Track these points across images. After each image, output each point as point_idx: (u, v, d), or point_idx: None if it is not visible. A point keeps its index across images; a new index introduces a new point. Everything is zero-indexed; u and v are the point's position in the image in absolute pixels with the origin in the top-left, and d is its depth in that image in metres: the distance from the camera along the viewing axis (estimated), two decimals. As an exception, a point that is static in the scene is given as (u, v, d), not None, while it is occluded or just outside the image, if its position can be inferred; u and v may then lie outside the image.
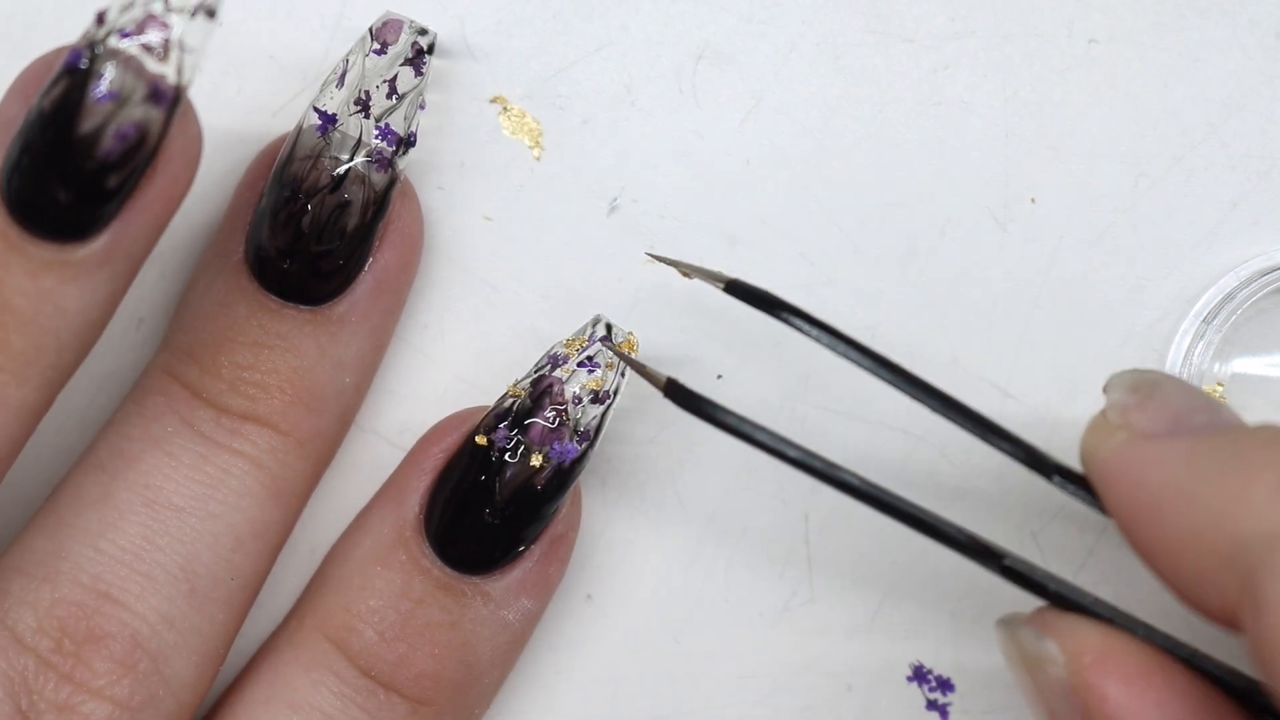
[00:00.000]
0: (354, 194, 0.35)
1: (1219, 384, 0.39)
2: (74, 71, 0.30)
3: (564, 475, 0.36)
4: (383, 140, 0.36)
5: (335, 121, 0.36)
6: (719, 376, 0.39)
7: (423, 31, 0.36)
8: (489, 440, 0.36)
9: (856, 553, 0.40)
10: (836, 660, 0.40)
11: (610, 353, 0.36)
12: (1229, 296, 0.39)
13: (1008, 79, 0.39)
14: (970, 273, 0.39)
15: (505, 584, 0.36)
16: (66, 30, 0.38)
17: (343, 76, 0.36)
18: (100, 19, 0.30)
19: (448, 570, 0.36)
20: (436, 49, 0.37)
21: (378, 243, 0.36)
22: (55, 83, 0.30)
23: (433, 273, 0.39)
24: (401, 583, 0.36)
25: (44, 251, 0.31)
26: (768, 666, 0.40)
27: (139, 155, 0.30)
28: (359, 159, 0.35)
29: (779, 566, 0.40)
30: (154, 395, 0.36)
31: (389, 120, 0.36)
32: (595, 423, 0.36)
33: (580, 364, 0.36)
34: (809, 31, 0.39)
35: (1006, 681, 0.40)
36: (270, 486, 0.35)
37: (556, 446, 0.36)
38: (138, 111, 0.30)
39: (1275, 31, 0.39)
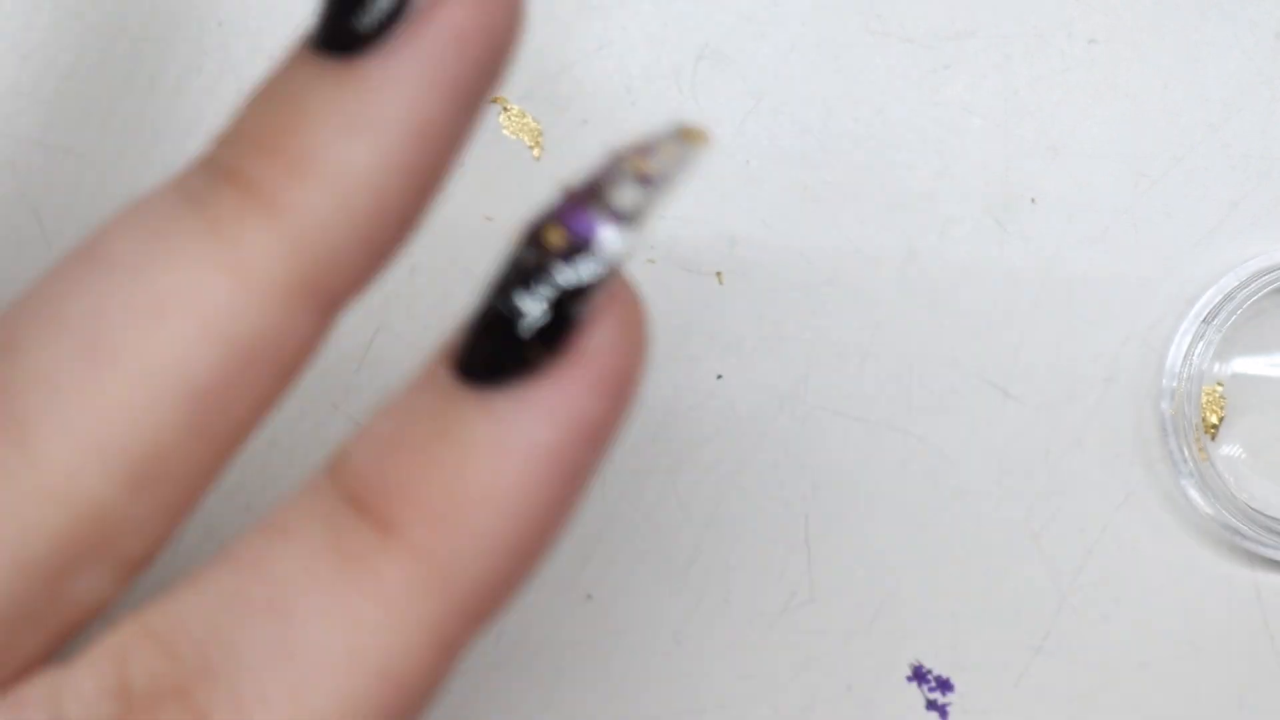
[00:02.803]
0: None
1: (1219, 384, 0.39)
2: None
3: (584, 260, 0.29)
4: None
5: None
6: (719, 376, 0.39)
7: None
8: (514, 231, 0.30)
9: (856, 553, 0.40)
10: (836, 660, 0.40)
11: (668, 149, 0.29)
12: (1229, 296, 0.39)
13: (1008, 79, 0.39)
14: (970, 273, 0.39)
15: (512, 399, 0.29)
16: (66, 29, 0.38)
17: None
18: None
19: (453, 380, 0.29)
20: None
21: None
22: None
23: (433, 272, 0.39)
24: (408, 400, 0.30)
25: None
26: (768, 666, 0.40)
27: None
28: None
29: (779, 566, 0.40)
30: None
31: None
32: (636, 206, 0.29)
33: (636, 152, 0.29)
34: (809, 31, 0.39)
35: (1006, 681, 0.40)
36: (223, 257, 0.29)
37: (580, 221, 0.29)
38: None
39: (1275, 32, 0.39)
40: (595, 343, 0.29)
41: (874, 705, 0.40)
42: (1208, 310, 0.39)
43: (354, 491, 0.29)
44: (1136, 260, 0.39)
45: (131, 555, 0.28)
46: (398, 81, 0.29)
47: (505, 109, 0.39)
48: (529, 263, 0.29)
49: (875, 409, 0.39)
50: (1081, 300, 0.39)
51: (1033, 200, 0.39)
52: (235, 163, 0.29)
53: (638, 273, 0.39)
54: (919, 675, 0.40)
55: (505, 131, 0.39)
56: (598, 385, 0.29)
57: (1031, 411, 0.39)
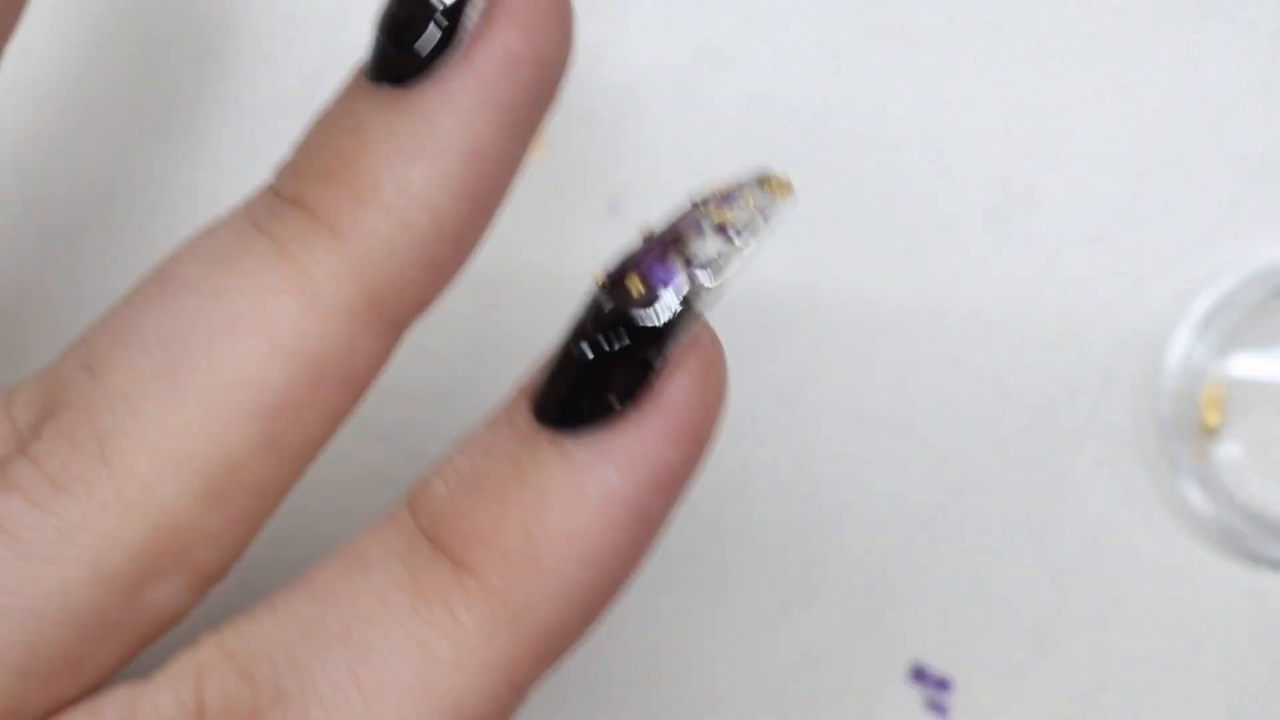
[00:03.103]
0: None
1: (1219, 384, 0.39)
2: None
3: (664, 309, 0.29)
4: None
5: None
6: (719, 376, 0.39)
7: None
8: (595, 277, 0.30)
9: (856, 553, 0.40)
10: (836, 660, 0.40)
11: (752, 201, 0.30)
12: (1229, 296, 0.39)
13: (1008, 79, 0.39)
14: (970, 273, 0.39)
15: (589, 445, 0.30)
16: (66, 29, 0.38)
17: None
18: None
19: (532, 422, 0.30)
20: None
21: (482, 21, 0.30)
22: None
23: (433, 273, 0.39)
24: (488, 438, 0.31)
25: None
26: (768, 666, 0.40)
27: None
28: None
29: (779, 566, 0.40)
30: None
31: None
32: (717, 259, 0.30)
33: (718, 201, 0.30)
34: (809, 31, 0.39)
35: (1006, 681, 0.40)
36: (290, 279, 0.30)
37: (659, 271, 0.30)
38: None
39: (1275, 32, 0.39)
40: (672, 392, 0.30)
41: (874, 705, 0.40)
42: (1208, 310, 0.39)
43: (432, 529, 0.30)
44: (1136, 260, 0.39)
45: (206, 568, 0.29)
46: (452, 107, 0.30)
47: (505, 109, 0.39)
48: (608, 308, 0.29)
49: (875, 409, 0.39)
50: (1081, 300, 0.39)
51: (1033, 200, 0.39)
52: (300, 191, 0.30)
53: (638, 273, 0.39)
54: (919, 675, 0.40)
55: (505, 131, 0.39)
56: (674, 435, 0.30)
57: (1031, 411, 0.40)
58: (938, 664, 0.40)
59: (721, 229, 0.29)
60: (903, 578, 0.40)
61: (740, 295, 0.39)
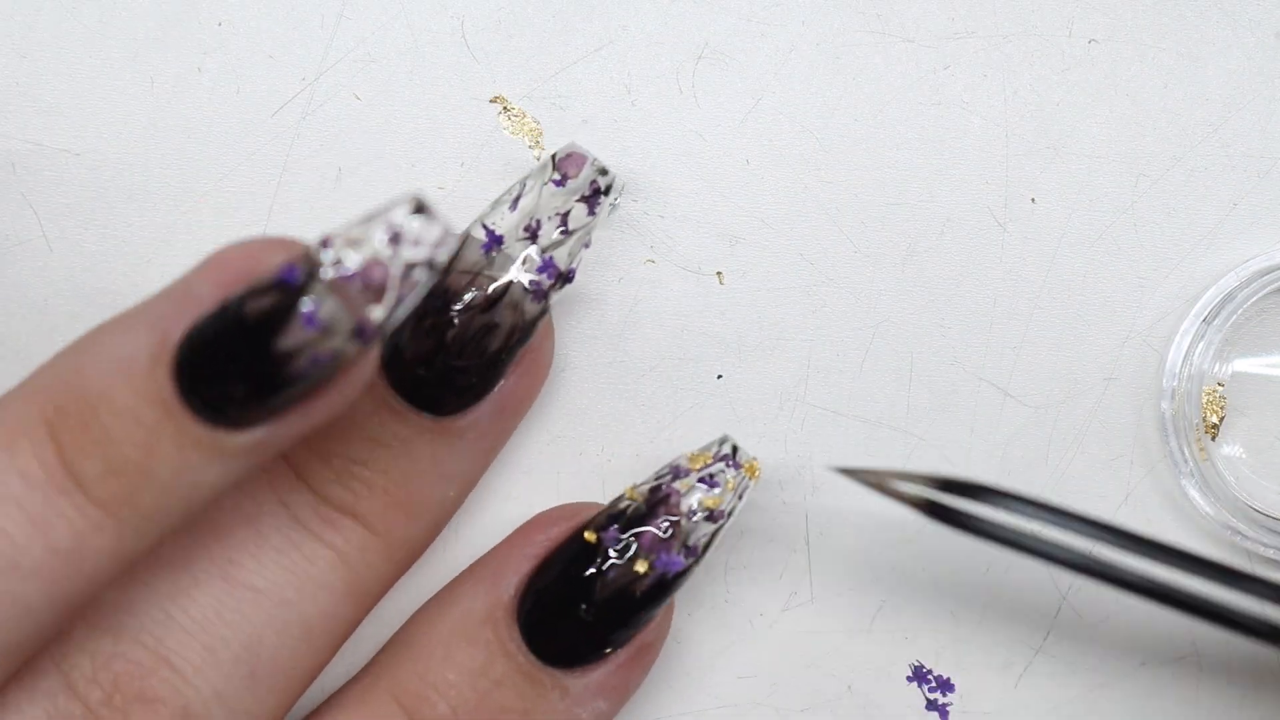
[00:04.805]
0: (504, 319, 0.35)
1: (1219, 384, 0.39)
2: (286, 288, 0.30)
3: (665, 586, 0.36)
4: (544, 273, 0.35)
5: (501, 243, 0.36)
6: (719, 376, 0.39)
7: (604, 171, 0.36)
8: (598, 538, 0.36)
9: (856, 553, 0.40)
10: (836, 660, 0.40)
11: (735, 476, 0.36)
12: (1229, 296, 0.39)
13: (1008, 79, 0.39)
14: (970, 273, 0.39)
15: (585, 682, 0.36)
16: (66, 31, 0.38)
17: (517, 199, 0.36)
18: (325, 243, 0.30)
19: (531, 658, 0.36)
20: (614, 190, 0.37)
21: (512, 367, 0.36)
22: (262, 292, 0.30)
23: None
24: (483, 662, 0.35)
25: (199, 431, 0.30)
26: (768, 666, 0.40)
27: (326, 376, 0.30)
28: (517, 286, 0.35)
29: (779, 566, 0.40)
30: None
31: (554, 254, 0.36)
32: (705, 540, 0.36)
33: (702, 480, 0.36)
34: (809, 31, 0.39)
35: (1006, 682, 0.40)
36: (350, 583, 0.35)
37: (664, 557, 0.36)
38: (338, 342, 0.30)
39: (1275, 31, 0.39)
40: (654, 631, 0.37)
41: (874, 705, 0.40)
42: (1208, 310, 0.39)
43: None
44: (1136, 260, 0.39)
45: None
46: (480, 433, 0.36)
47: (506, 109, 0.39)
48: (616, 586, 0.36)
49: (875, 409, 0.39)
50: (1081, 300, 0.39)
51: (1033, 200, 0.39)
52: (354, 505, 0.35)
53: (638, 273, 0.39)
54: (919, 675, 0.40)
55: (506, 131, 0.39)
56: (649, 664, 0.37)
57: (1031, 411, 0.39)
58: (938, 664, 0.40)
59: (710, 515, 0.36)
60: (903, 578, 0.40)
61: (741, 295, 0.39)
